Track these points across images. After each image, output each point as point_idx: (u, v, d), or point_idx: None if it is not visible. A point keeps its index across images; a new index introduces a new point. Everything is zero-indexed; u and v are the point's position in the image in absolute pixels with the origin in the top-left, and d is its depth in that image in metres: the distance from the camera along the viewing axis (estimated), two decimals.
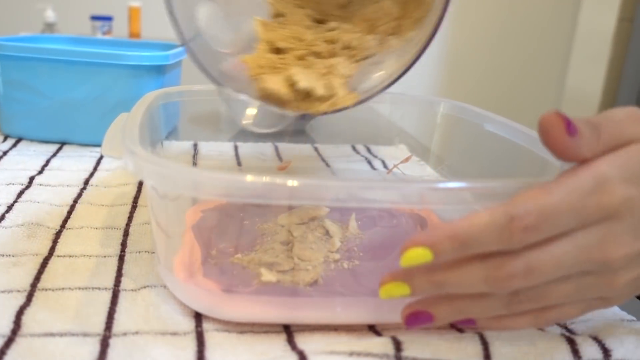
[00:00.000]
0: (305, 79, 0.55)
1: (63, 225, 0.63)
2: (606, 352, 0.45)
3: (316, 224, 0.60)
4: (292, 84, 0.55)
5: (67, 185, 0.74)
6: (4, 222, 0.62)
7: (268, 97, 0.56)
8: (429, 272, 0.40)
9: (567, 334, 0.48)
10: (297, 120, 0.56)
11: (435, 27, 0.55)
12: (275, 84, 0.55)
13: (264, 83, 0.55)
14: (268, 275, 0.48)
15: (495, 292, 0.40)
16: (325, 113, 0.57)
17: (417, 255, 0.38)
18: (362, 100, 0.58)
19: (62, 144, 0.93)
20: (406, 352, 0.43)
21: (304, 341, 0.46)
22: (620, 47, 3.11)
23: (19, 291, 0.50)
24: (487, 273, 0.39)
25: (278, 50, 0.59)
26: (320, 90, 0.55)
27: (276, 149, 0.95)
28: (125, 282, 0.52)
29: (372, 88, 0.59)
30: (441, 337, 0.45)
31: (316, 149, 0.97)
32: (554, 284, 0.41)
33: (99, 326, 0.46)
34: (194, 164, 0.88)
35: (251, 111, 0.57)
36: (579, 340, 0.46)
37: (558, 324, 0.50)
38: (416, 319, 0.43)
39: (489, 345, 0.44)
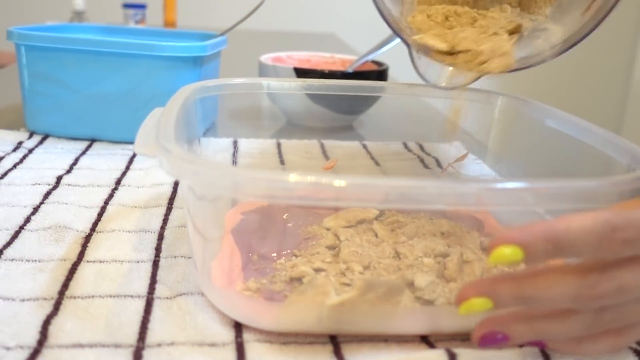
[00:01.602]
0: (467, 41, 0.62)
1: (93, 229, 0.64)
2: None
3: (365, 227, 0.60)
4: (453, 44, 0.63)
5: (97, 186, 0.75)
6: (29, 225, 0.63)
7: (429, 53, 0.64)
8: (515, 285, 0.40)
9: (636, 346, 0.48)
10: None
11: None
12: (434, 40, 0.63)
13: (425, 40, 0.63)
14: (334, 298, 0.48)
15: (581, 309, 0.40)
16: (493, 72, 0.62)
17: (507, 254, 0.38)
18: (538, 62, 0.64)
19: (92, 141, 0.94)
20: None
21: (352, 353, 0.46)
22: None
23: (45, 299, 0.50)
24: (578, 290, 0.39)
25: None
26: (484, 52, 0.61)
27: (322, 146, 0.95)
28: (159, 290, 0.53)
29: (539, 53, 0.65)
30: (499, 350, 0.45)
31: (365, 147, 0.97)
32: (634, 303, 0.40)
33: (132, 337, 0.46)
34: (234, 162, 0.89)
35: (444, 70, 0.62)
36: None
37: None
38: (491, 339, 0.42)
39: (550, 358, 0.44)
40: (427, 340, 0.48)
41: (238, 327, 0.48)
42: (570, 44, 0.62)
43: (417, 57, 0.63)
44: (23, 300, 0.50)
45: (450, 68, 0.63)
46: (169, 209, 0.70)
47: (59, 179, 0.76)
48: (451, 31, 0.64)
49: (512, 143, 0.79)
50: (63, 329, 0.46)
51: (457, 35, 0.63)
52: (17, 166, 0.80)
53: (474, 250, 0.55)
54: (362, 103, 1.06)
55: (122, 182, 0.77)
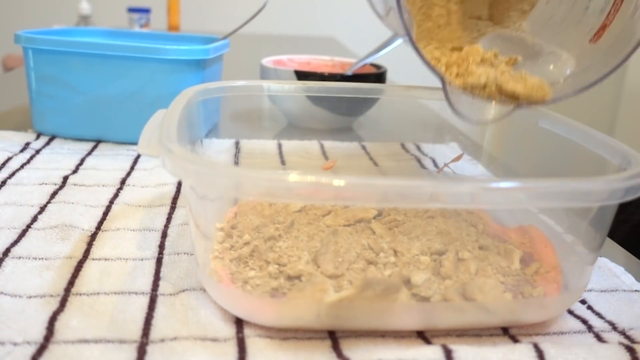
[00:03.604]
0: (509, 81, 0.59)
1: (98, 227, 0.64)
2: None
3: (363, 225, 0.60)
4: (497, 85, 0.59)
5: (103, 185, 0.75)
6: (36, 224, 0.63)
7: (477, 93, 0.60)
8: None
9: (627, 342, 0.48)
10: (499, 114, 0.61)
11: None
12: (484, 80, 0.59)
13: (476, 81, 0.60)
14: (332, 295, 0.48)
15: None
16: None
17: None
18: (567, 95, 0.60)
19: (98, 142, 0.94)
20: None
21: (350, 348, 0.46)
22: None
23: (52, 296, 0.50)
24: None
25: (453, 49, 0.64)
26: (520, 89, 0.58)
27: (322, 147, 0.95)
28: (163, 286, 0.53)
29: (556, 82, 0.62)
30: (494, 346, 0.45)
31: (364, 147, 0.97)
32: None
33: (136, 332, 0.46)
34: (235, 163, 0.89)
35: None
36: (639, 348, 0.45)
37: (617, 332, 0.50)
38: None
39: (544, 354, 0.44)
40: (423, 336, 0.48)
41: (239, 323, 0.48)
42: (591, 82, 0.57)
43: (452, 92, 0.61)
44: (30, 297, 0.50)
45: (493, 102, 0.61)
46: (173, 208, 0.70)
47: (65, 179, 0.76)
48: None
49: (507, 144, 0.80)
50: (69, 325, 0.46)
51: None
52: (25, 166, 0.80)
53: (469, 248, 0.56)
54: (361, 105, 1.06)
55: (127, 182, 0.77)
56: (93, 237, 0.62)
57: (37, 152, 0.87)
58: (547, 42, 0.65)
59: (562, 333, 0.50)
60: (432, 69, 0.59)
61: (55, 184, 0.74)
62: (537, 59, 0.64)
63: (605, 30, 0.59)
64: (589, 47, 0.60)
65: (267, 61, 1.15)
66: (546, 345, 0.45)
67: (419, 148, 0.98)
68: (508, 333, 0.49)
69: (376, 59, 1.09)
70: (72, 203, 0.69)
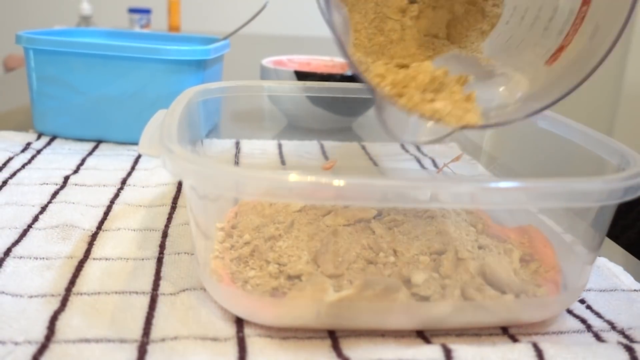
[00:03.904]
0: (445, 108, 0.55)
1: (99, 227, 0.64)
2: None
3: (363, 225, 0.60)
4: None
5: (104, 185, 0.75)
6: (37, 224, 0.63)
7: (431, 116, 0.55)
8: None
9: (626, 341, 0.48)
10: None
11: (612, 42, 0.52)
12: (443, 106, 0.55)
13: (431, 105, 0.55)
14: (332, 295, 0.48)
15: None
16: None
17: None
18: (502, 122, 0.56)
19: (98, 142, 0.94)
20: None
21: (350, 347, 0.46)
22: None
23: (53, 295, 0.50)
24: None
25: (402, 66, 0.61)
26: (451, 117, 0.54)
27: (322, 147, 0.95)
28: (163, 286, 0.53)
29: (504, 105, 0.58)
30: (494, 345, 0.45)
31: (363, 148, 0.97)
32: None
33: (137, 332, 0.46)
34: (236, 163, 0.89)
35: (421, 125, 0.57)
36: (638, 348, 0.45)
37: (616, 331, 0.50)
38: None
39: (543, 354, 0.44)
40: (423, 336, 0.48)
41: (239, 322, 0.48)
42: (544, 105, 0.54)
43: (384, 109, 0.55)
44: (31, 296, 0.50)
45: (430, 123, 0.58)
46: (173, 207, 0.70)
47: (66, 179, 0.76)
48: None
49: (506, 144, 0.80)
50: (70, 324, 0.46)
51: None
52: (26, 166, 0.80)
53: (468, 248, 0.56)
54: (361, 105, 1.06)
55: (128, 182, 0.77)
56: (94, 236, 0.62)
57: (38, 152, 0.87)
58: (502, 64, 0.62)
59: (561, 332, 0.50)
60: (364, 79, 0.54)
61: (56, 184, 0.74)
62: (488, 81, 0.61)
63: (563, 51, 0.56)
64: (544, 70, 0.57)
65: (267, 61, 1.15)
66: (545, 344, 0.45)
67: (418, 148, 0.98)
68: (507, 332, 0.49)
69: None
70: (73, 203, 0.69)
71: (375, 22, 0.64)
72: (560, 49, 0.56)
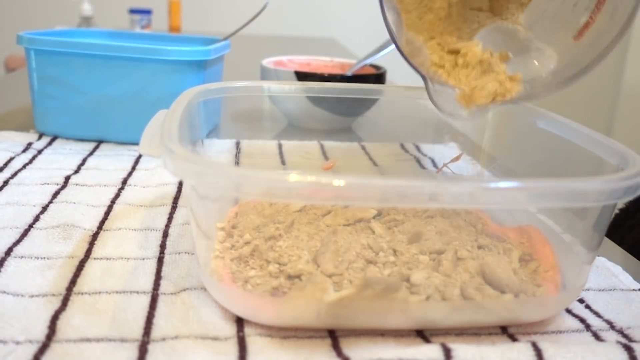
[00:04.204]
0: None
1: (100, 227, 0.64)
2: None
3: (363, 225, 0.60)
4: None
5: (104, 185, 0.75)
6: (38, 224, 0.63)
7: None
8: None
9: (624, 341, 0.48)
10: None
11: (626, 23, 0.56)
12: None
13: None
14: (332, 295, 0.48)
15: None
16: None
17: None
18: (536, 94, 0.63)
19: (99, 142, 0.94)
20: None
21: (350, 347, 0.46)
22: None
23: (54, 295, 0.50)
24: None
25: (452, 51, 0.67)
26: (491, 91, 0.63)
27: (322, 147, 0.95)
28: (164, 285, 0.53)
29: (537, 78, 0.64)
30: (493, 344, 0.45)
31: (363, 148, 0.97)
32: None
33: (137, 331, 0.46)
34: (236, 163, 0.89)
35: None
36: (636, 347, 0.45)
37: (615, 331, 0.50)
38: None
39: (542, 353, 0.44)
40: (422, 335, 0.48)
41: (240, 322, 0.48)
42: (569, 77, 0.60)
43: (434, 88, 0.64)
44: (32, 296, 0.50)
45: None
46: (174, 207, 0.70)
47: (67, 179, 0.76)
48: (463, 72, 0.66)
49: (505, 144, 0.80)
50: (71, 324, 0.46)
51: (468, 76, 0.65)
52: (27, 166, 0.80)
53: (468, 247, 0.56)
54: (361, 105, 1.06)
55: (128, 182, 0.77)
56: (95, 236, 0.62)
57: (39, 152, 0.87)
58: (537, 37, 0.66)
59: (560, 332, 0.50)
60: (415, 68, 0.63)
61: (57, 184, 0.74)
62: (525, 55, 0.66)
63: (588, 28, 0.60)
64: (572, 45, 0.61)
65: (268, 62, 1.15)
66: (544, 344, 0.45)
67: (418, 148, 0.98)
68: (507, 332, 0.49)
69: (376, 59, 1.09)
70: (74, 203, 0.69)
71: (425, 1, 0.68)
72: (586, 25, 0.60)
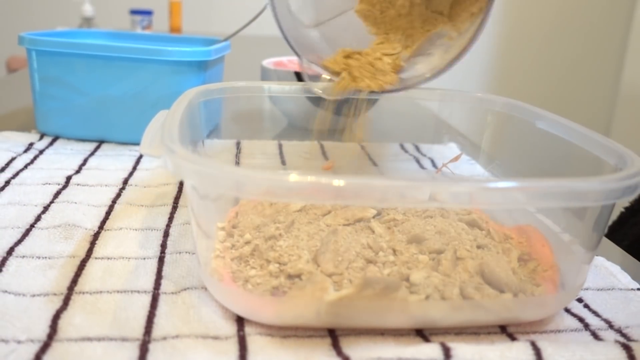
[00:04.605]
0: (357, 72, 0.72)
1: (101, 227, 0.64)
2: None
3: (362, 225, 0.60)
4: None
5: (106, 185, 0.75)
6: (40, 224, 0.63)
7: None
8: None
9: (623, 340, 0.48)
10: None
11: (481, 22, 0.61)
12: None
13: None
14: (332, 294, 0.48)
15: None
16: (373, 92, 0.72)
17: None
18: (404, 87, 0.72)
19: (100, 142, 0.94)
20: (455, 359, 0.43)
21: (349, 346, 0.46)
22: None
23: (55, 294, 0.50)
24: None
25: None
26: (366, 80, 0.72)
27: (322, 147, 0.95)
28: (165, 285, 0.53)
29: (415, 77, 0.70)
30: (492, 344, 0.45)
31: (363, 148, 0.97)
32: None
33: (138, 330, 0.46)
34: (236, 163, 0.89)
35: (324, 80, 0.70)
36: (635, 346, 0.45)
37: (613, 330, 0.50)
38: None
39: (541, 352, 0.44)
40: (422, 334, 0.48)
41: (240, 321, 0.48)
42: (431, 76, 0.69)
43: (307, 64, 0.73)
44: (34, 295, 0.50)
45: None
46: (174, 207, 0.70)
47: (69, 179, 0.76)
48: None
49: (504, 144, 0.80)
50: (72, 323, 0.46)
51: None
52: (28, 166, 0.80)
53: (467, 247, 0.56)
54: (361, 105, 1.06)
55: (129, 182, 0.77)
56: (96, 236, 0.62)
57: (41, 152, 0.87)
58: (444, 47, 0.73)
59: (559, 331, 0.50)
60: (295, 52, 0.73)
61: (59, 184, 0.74)
62: (419, 57, 0.74)
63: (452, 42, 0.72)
64: (443, 56, 0.70)
65: (268, 62, 1.15)
66: (543, 343, 0.45)
67: (417, 148, 0.98)
68: (506, 331, 0.49)
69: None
70: (75, 203, 0.69)
71: None
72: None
